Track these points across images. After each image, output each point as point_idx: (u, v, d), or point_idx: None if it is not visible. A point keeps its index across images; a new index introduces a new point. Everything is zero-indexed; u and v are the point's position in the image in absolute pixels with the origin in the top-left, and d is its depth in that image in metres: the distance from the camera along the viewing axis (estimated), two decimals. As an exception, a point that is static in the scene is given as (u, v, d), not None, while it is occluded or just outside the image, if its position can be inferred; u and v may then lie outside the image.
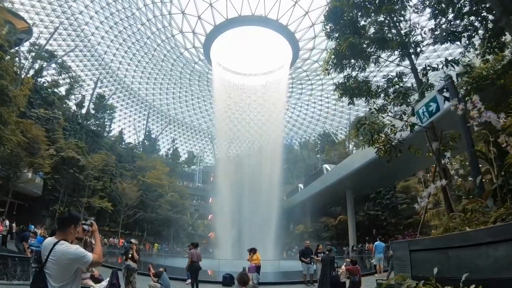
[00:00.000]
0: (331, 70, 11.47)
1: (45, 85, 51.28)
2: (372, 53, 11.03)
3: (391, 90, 11.00)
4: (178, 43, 53.68)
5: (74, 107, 60.35)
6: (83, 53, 58.67)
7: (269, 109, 77.28)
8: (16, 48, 44.44)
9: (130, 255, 11.39)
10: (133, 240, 12.45)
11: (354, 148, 68.93)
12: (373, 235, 47.21)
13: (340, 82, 11.44)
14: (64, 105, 55.56)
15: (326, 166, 47.78)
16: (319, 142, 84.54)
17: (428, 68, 10.47)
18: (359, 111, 73.08)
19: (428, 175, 49.85)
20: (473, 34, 10.50)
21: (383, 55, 11.38)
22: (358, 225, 44.58)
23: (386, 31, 10.97)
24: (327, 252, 12.80)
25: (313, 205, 54.03)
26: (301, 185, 56.18)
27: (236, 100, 71.88)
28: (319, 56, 55.82)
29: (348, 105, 11.71)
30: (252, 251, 14.58)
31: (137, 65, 63.87)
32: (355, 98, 11.38)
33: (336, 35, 11.47)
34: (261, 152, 67.65)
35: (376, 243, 18.11)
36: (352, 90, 10.99)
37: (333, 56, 10.99)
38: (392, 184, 47.74)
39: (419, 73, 10.72)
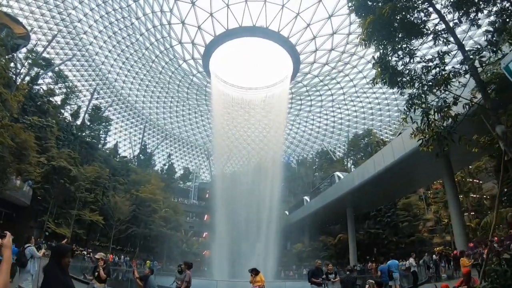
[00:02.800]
0: (367, 44, 9.91)
1: (40, 92, 50.20)
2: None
3: (429, 76, 9.58)
4: (177, 54, 53.00)
5: (69, 117, 59.12)
6: (80, 63, 57.86)
7: (267, 125, 76.57)
8: (13, 53, 43.61)
9: (96, 274, 9.37)
10: (98, 255, 10.02)
11: (353, 166, 68.05)
12: (374, 254, 46.11)
13: (381, 54, 9.95)
14: (59, 115, 54.34)
15: (338, 173, 45.58)
16: (317, 159, 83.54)
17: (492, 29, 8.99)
18: (357, 128, 72.73)
19: (429, 192, 49.22)
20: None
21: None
22: (358, 243, 43.22)
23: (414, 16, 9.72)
24: (348, 272, 11.44)
25: (312, 223, 52.74)
26: (306, 198, 54.25)
27: (233, 115, 71.10)
28: (319, 71, 55.44)
29: (388, 86, 10.17)
30: (254, 271, 13.03)
31: (135, 77, 63.08)
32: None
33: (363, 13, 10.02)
34: (259, 169, 66.49)
35: (389, 262, 16.69)
36: (393, 69, 9.62)
37: (370, 28, 9.37)
38: (393, 201, 46.59)
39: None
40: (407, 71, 9.60)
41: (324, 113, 72.51)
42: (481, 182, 43.88)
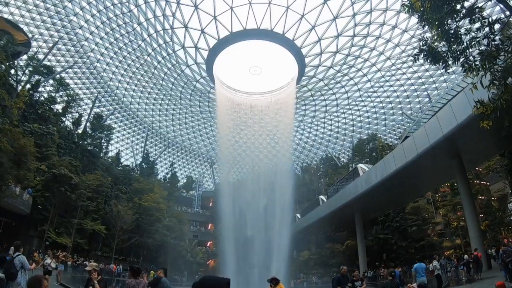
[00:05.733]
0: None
1: (41, 100, 49.58)
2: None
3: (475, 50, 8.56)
4: (180, 60, 52.20)
5: (70, 126, 58.43)
6: (81, 70, 57.22)
7: (270, 131, 75.78)
8: (14, 60, 43.12)
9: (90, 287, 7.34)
10: (88, 267, 7.68)
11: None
12: (384, 260, 45.16)
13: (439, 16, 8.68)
14: (60, 123, 53.73)
15: (362, 165, 42.50)
16: (321, 166, 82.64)
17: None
18: (362, 133, 71.94)
19: (437, 195, 48.34)
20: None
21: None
22: (367, 250, 42.10)
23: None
24: (390, 278, 10.29)
25: (319, 230, 51.66)
26: (322, 197, 52.36)
27: (237, 122, 70.31)
28: (324, 74, 54.75)
29: (432, 61, 9.05)
30: (274, 281, 11.79)
31: (137, 85, 62.39)
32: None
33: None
34: (265, 176, 65.68)
35: (416, 265, 15.47)
36: (449, 33, 8.50)
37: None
38: (401, 206, 45.48)
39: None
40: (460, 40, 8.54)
41: (328, 118, 71.74)
42: (488, 184, 43.20)
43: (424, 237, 44.24)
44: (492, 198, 41.46)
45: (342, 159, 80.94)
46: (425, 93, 58.21)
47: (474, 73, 8.30)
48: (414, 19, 37.34)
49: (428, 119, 43.69)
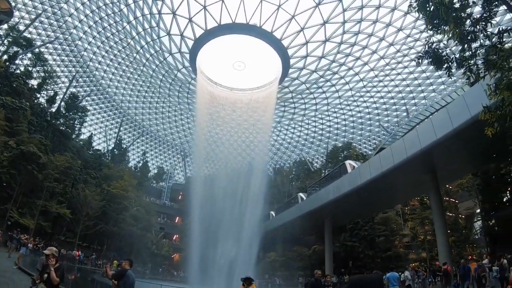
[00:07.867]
0: None
1: (17, 72, 47.50)
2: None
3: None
4: (164, 47, 50.97)
5: (44, 103, 56.28)
6: (62, 47, 54.87)
7: (247, 129, 75.41)
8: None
9: (45, 276, 6.74)
10: (47, 250, 6.99)
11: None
12: (349, 267, 45.59)
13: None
14: (34, 99, 51.64)
15: (350, 162, 40.48)
16: (294, 169, 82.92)
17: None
18: (337, 141, 72.69)
19: (406, 208, 49.44)
20: None
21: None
22: (334, 256, 42.25)
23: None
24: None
25: (286, 232, 51.55)
26: (301, 195, 51.43)
27: (214, 117, 69.46)
28: (307, 78, 54.94)
29: (435, 64, 8.96)
30: (247, 281, 11.46)
31: (117, 68, 60.54)
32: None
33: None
34: (238, 174, 65.18)
35: (388, 274, 15.43)
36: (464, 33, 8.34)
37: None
38: (372, 215, 46.12)
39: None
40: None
41: (305, 122, 72.22)
42: (457, 201, 44.52)
43: (391, 248, 45.08)
44: (460, 215, 42.79)
45: (315, 164, 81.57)
46: (404, 107, 59.39)
47: (489, 75, 8.27)
48: (402, 34, 37.44)
49: (404, 133, 44.55)
